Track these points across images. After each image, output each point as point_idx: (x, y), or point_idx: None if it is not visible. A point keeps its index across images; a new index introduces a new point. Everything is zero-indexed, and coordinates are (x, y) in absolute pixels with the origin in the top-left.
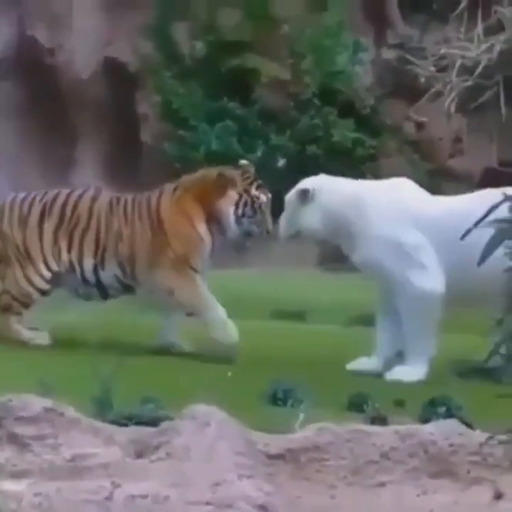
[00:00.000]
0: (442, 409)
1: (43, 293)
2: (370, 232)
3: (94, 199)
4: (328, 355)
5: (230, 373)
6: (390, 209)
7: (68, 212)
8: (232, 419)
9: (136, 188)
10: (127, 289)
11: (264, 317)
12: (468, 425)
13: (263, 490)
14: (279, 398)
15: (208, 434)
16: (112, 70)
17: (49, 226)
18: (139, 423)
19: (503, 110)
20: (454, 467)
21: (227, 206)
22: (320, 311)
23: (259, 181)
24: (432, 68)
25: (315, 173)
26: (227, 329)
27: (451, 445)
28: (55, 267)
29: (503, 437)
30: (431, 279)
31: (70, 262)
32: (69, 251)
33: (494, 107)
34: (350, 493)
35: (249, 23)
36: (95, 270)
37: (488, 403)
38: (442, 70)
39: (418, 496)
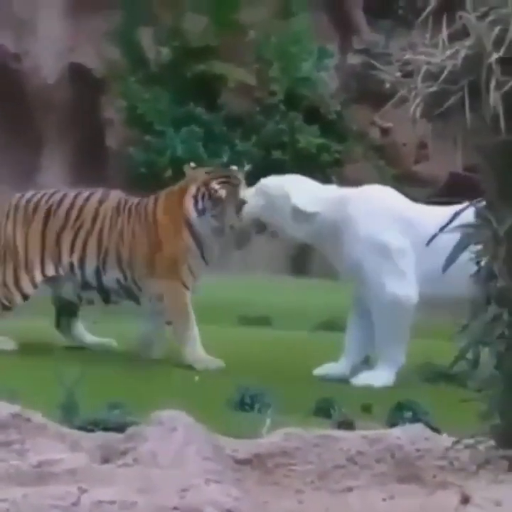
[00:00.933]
0: (409, 414)
1: (25, 298)
2: (355, 233)
3: (101, 201)
4: (294, 361)
5: (197, 378)
6: (376, 212)
7: (73, 215)
8: (199, 424)
9: None
10: (130, 294)
11: (232, 323)
12: (435, 430)
13: (231, 495)
14: (246, 403)
15: (175, 440)
16: (78, 75)
17: (52, 228)
18: (105, 429)
19: (468, 116)
20: (421, 472)
21: (188, 201)
22: (286, 317)
23: (224, 178)
24: (397, 74)
25: None
26: (196, 350)
27: (417, 450)
28: (51, 272)
29: (469, 441)
30: (406, 287)
31: (71, 265)
32: (71, 254)
33: (459, 113)
34: (317, 498)
35: (215, 29)
36: (97, 273)
37: (454, 408)
38: (407, 75)
39: (385, 500)
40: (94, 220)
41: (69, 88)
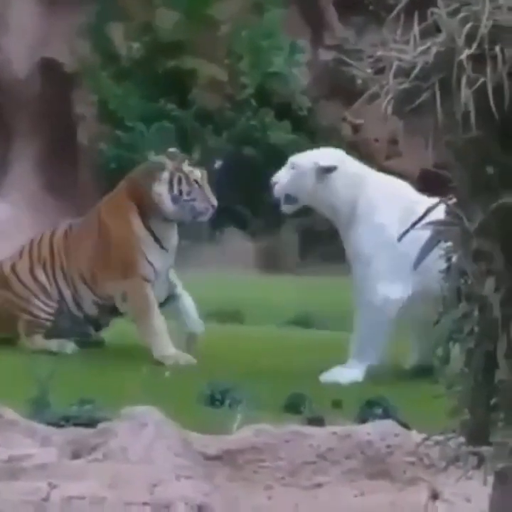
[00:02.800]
0: (379, 410)
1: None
2: (371, 218)
3: (53, 234)
4: (265, 356)
5: (167, 373)
6: (394, 201)
7: (35, 253)
8: (169, 420)
9: (71, 187)
10: (111, 311)
11: (202, 318)
12: (405, 426)
13: (201, 490)
14: (216, 399)
15: (146, 435)
16: (49, 70)
17: (37, 273)
18: (76, 424)
19: (439, 112)
20: (391, 468)
21: (161, 189)
22: (257, 312)
23: (190, 160)
24: (369, 70)
25: (251, 174)
26: (164, 345)
27: (387, 446)
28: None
29: (438, 438)
30: (398, 289)
31: (57, 299)
32: (50, 287)
33: (430, 109)
34: (287, 494)
35: (186, 24)
36: (75, 301)
37: (424, 404)
38: (379, 72)
39: (355, 496)
40: (51, 252)
41: (40, 83)
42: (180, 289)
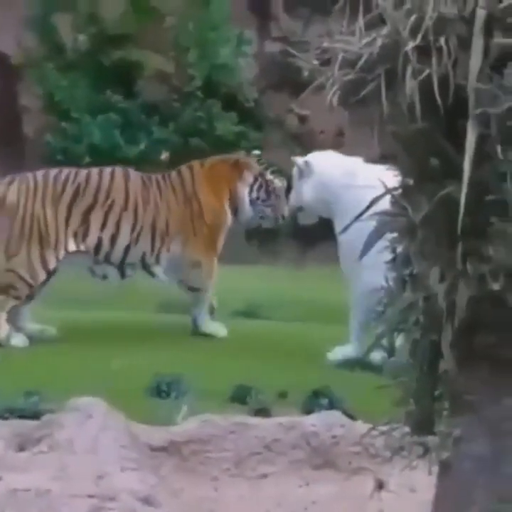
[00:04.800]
0: (325, 401)
1: (49, 274)
2: (345, 206)
3: (126, 178)
4: (210, 347)
5: (116, 363)
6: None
7: (103, 193)
8: (115, 411)
9: None
10: (146, 268)
11: (150, 310)
12: (350, 417)
13: (146, 482)
14: (162, 390)
15: (91, 427)
16: None
17: (81, 206)
18: (21, 416)
19: (385, 103)
20: (336, 458)
21: (243, 189)
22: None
23: (274, 168)
24: (315, 62)
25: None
26: (208, 317)
27: (333, 436)
28: (73, 247)
29: (384, 428)
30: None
31: (99, 240)
32: (101, 231)
33: (376, 101)
34: (233, 485)
35: (132, 16)
36: (127, 249)
37: (369, 395)
38: (325, 63)
39: (300, 487)
40: (126, 196)
41: None
42: None
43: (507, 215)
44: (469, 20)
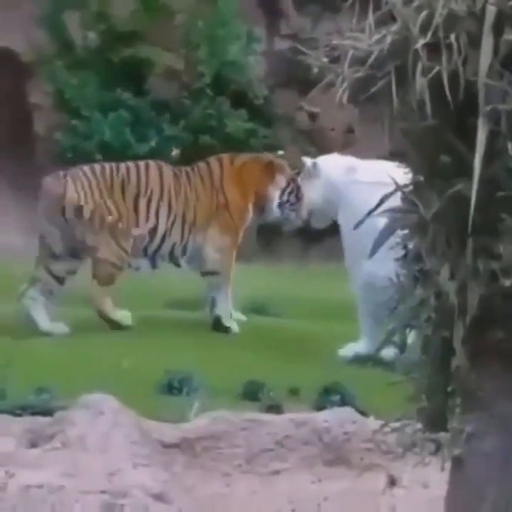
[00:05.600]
0: (337, 398)
1: (127, 255)
2: (352, 203)
3: (160, 171)
4: (221, 344)
5: (125, 362)
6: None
7: (143, 184)
8: (126, 408)
9: (28, 177)
10: (173, 258)
11: (159, 307)
12: (362, 413)
13: (158, 479)
14: (174, 387)
15: (103, 424)
16: (5, 59)
17: (129, 198)
18: (33, 413)
19: (395, 101)
20: (348, 454)
21: (274, 192)
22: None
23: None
24: (325, 59)
25: None
26: (229, 306)
27: (345, 433)
28: (136, 231)
29: (396, 424)
30: (386, 268)
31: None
32: (146, 222)
33: (386, 98)
34: (244, 481)
35: (142, 13)
36: (162, 239)
37: (381, 391)
38: (334, 60)
39: (313, 483)
40: (161, 188)
41: None
42: None
43: None
44: (479, 17)
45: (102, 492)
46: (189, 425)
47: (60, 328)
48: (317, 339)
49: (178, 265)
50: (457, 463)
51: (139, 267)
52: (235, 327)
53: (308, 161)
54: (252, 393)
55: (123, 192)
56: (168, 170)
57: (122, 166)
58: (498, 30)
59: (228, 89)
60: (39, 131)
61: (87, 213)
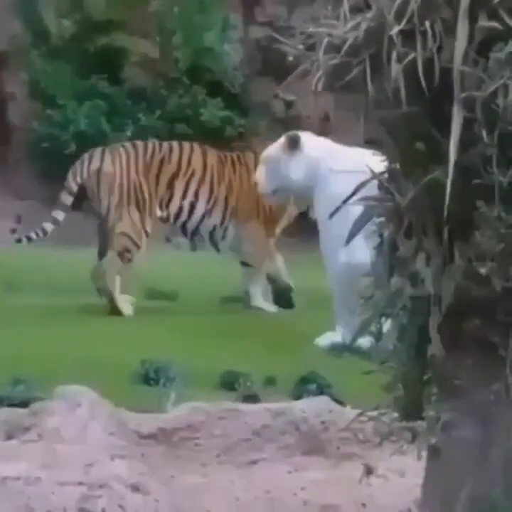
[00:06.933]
0: (313, 387)
1: (147, 236)
2: (329, 190)
3: (204, 154)
4: (197, 333)
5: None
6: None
7: (184, 164)
8: (103, 399)
9: (3, 166)
10: (213, 241)
11: (139, 296)
12: (339, 402)
13: (135, 470)
14: (151, 377)
15: (80, 415)
16: None
17: (166, 174)
18: (10, 404)
19: (370, 88)
20: (325, 444)
21: None
22: (192, 291)
23: None
24: (300, 46)
25: None
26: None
27: (322, 422)
28: (158, 213)
29: (372, 413)
30: (360, 256)
31: (180, 209)
32: (183, 199)
33: (361, 85)
34: (222, 472)
35: (117, 2)
36: (202, 219)
37: (358, 380)
38: (310, 48)
39: (290, 473)
40: (204, 169)
41: None
42: None
43: (493, 199)
44: (454, 4)
45: (79, 484)
46: (166, 416)
47: None
48: (293, 328)
49: (217, 249)
50: (434, 451)
51: (178, 245)
52: (270, 308)
53: (288, 134)
54: (228, 383)
55: (159, 170)
56: (212, 153)
57: (165, 145)
58: (472, 17)
59: (204, 78)
60: (14, 120)
61: (118, 189)
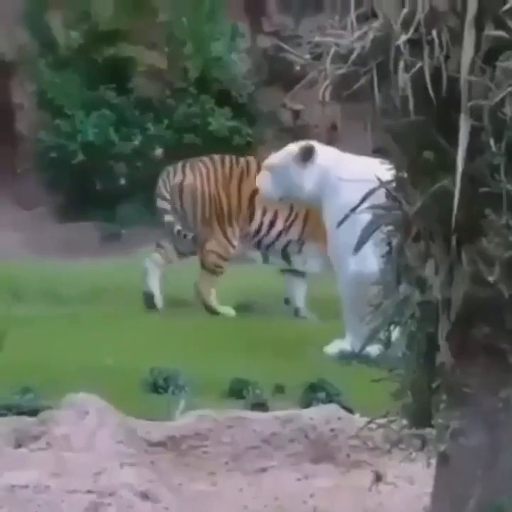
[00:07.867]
0: (322, 394)
1: (234, 249)
2: (338, 199)
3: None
4: (207, 341)
5: (110, 361)
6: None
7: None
8: (111, 407)
9: (10, 177)
10: (285, 255)
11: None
12: (348, 410)
13: (144, 478)
14: (159, 385)
15: (88, 423)
16: None
17: (246, 190)
18: (19, 413)
19: (377, 97)
20: (335, 451)
21: None
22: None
23: None
24: (307, 56)
25: None
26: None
27: (331, 430)
28: (240, 229)
29: (381, 421)
30: (370, 265)
31: (260, 225)
32: (263, 215)
33: (368, 94)
34: (231, 480)
35: (124, 12)
36: (278, 235)
37: (367, 388)
38: (317, 57)
39: (299, 480)
40: None
41: None
42: None
43: (500, 207)
44: (461, 13)
45: (88, 492)
46: (175, 424)
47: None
48: (302, 336)
49: (289, 263)
50: (443, 459)
51: (254, 259)
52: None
53: (301, 144)
54: (237, 391)
55: (240, 184)
56: None
57: (241, 159)
58: (479, 26)
59: (212, 88)
60: (22, 130)
61: (200, 202)
